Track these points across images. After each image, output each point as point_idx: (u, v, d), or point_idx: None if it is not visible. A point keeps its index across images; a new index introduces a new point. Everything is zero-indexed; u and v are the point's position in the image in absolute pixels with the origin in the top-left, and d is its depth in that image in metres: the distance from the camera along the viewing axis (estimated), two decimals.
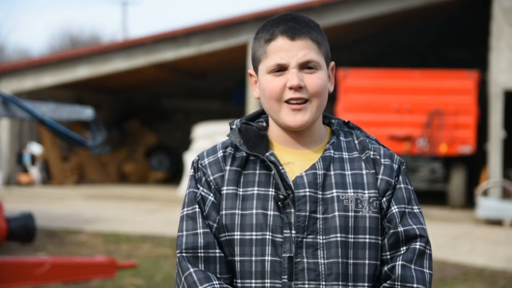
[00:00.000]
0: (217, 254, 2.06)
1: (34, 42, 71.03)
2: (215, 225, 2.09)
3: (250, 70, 2.18)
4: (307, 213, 2.04)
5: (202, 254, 2.06)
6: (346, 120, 2.24)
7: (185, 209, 2.12)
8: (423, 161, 16.42)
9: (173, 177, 21.13)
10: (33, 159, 18.21)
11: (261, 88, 2.11)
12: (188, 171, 17.00)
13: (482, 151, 15.90)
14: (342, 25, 16.09)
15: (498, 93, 14.48)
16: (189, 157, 17.13)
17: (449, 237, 11.53)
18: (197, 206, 2.10)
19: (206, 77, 22.07)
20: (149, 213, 13.69)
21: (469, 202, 15.34)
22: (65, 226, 11.32)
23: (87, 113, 5.29)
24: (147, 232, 10.97)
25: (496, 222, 13.32)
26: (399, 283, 2.04)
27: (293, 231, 2.03)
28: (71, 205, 14.67)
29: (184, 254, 2.07)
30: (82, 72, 17.76)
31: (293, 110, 2.06)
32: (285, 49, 2.05)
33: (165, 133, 23.35)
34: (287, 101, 2.06)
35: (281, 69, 2.06)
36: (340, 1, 15.69)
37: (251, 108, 16.23)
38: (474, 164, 16.69)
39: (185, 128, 21.73)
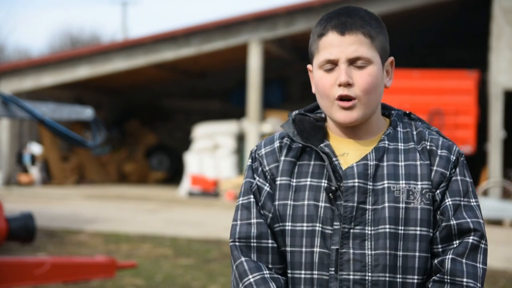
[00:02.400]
0: (270, 245, 2.06)
1: (34, 42, 71.06)
2: (270, 215, 2.08)
3: (309, 65, 2.16)
4: (355, 204, 2.02)
5: (255, 244, 2.06)
6: (408, 112, 2.22)
7: (241, 198, 2.12)
8: None
9: (173, 177, 21.13)
10: (33, 159, 18.21)
11: (315, 84, 2.09)
12: (188, 171, 17.01)
13: (482, 151, 15.91)
14: None
15: (498, 93, 14.48)
16: (189, 157, 17.13)
17: None
18: (252, 196, 2.10)
19: (206, 77, 22.07)
20: (149, 213, 13.69)
21: None
22: (65, 226, 11.32)
23: (87, 113, 5.29)
24: (147, 232, 10.97)
25: (496, 222, 13.32)
26: (448, 277, 2.01)
27: (341, 222, 2.02)
28: (71, 205, 14.67)
29: (237, 243, 2.08)
30: (82, 72, 17.76)
31: (343, 107, 2.04)
32: (335, 44, 2.03)
33: (165, 133, 23.35)
34: (337, 99, 2.04)
35: (331, 64, 2.04)
36: (340, 1, 15.68)
37: (251, 108, 16.24)
38: (474, 164, 16.69)
39: (185, 128, 21.73)
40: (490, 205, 13.46)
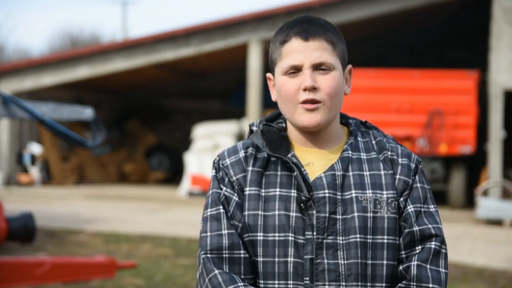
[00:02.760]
0: (242, 255, 2.06)
1: (34, 42, 71.05)
2: (240, 225, 2.09)
3: (269, 74, 2.19)
4: (327, 214, 2.04)
5: (227, 255, 2.06)
6: (363, 120, 2.25)
7: (209, 209, 2.11)
8: (423, 161, 16.36)
9: (173, 177, 21.13)
10: (33, 159, 18.21)
11: (278, 90, 2.12)
12: (188, 171, 17.00)
13: (482, 151, 15.90)
14: (342, 25, 16.08)
15: (498, 93, 14.48)
16: (189, 157, 17.13)
17: (449, 237, 11.54)
18: (221, 206, 2.10)
19: (206, 77, 22.07)
20: (149, 213, 13.69)
21: (469, 202, 15.35)
22: (65, 226, 11.32)
23: (87, 113, 5.29)
24: (147, 232, 10.97)
25: (496, 222, 13.32)
26: (414, 283, 2.05)
27: (314, 233, 2.04)
28: (71, 205, 14.67)
29: (209, 255, 2.06)
30: (82, 72, 17.76)
31: (307, 110, 2.06)
32: (299, 50, 2.07)
33: (165, 133, 23.35)
34: (302, 102, 2.06)
35: (295, 70, 2.07)
36: (340, 1, 15.69)
37: (251, 108, 16.24)
38: (474, 164, 16.69)
39: (185, 128, 21.73)
40: (490, 205, 13.46)
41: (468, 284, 8.13)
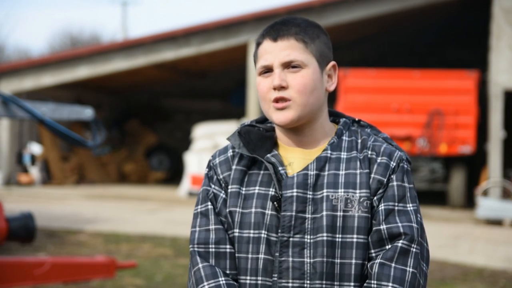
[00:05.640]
0: (228, 250, 2.13)
1: (34, 42, 71.03)
2: (226, 221, 2.15)
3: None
4: (293, 213, 2.07)
5: (213, 250, 2.13)
6: (357, 119, 2.26)
7: (199, 206, 2.20)
8: (423, 161, 16.41)
9: (173, 177, 21.13)
10: (33, 159, 18.21)
11: (256, 90, 2.19)
12: (188, 171, 17.01)
13: (482, 151, 15.90)
14: (342, 25, 16.10)
15: (498, 93, 14.48)
16: (189, 157, 17.13)
17: (449, 237, 11.54)
18: (209, 203, 2.17)
19: (206, 77, 22.07)
20: (149, 213, 13.69)
21: (469, 202, 15.35)
22: (65, 226, 11.32)
23: (87, 113, 5.29)
24: (147, 232, 10.97)
25: (496, 222, 13.32)
26: (374, 282, 2.04)
27: (279, 230, 2.07)
28: (71, 205, 14.67)
29: (196, 249, 2.14)
30: (82, 72, 17.76)
31: (277, 109, 2.11)
32: (269, 51, 2.12)
33: (165, 133, 23.36)
34: (273, 101, 2.11)
35: (267, 70, 2.13)
36: (340, 1, 15.69)
37: (251, 108, 16.24)
38: (474, 164, 16.69)
39: (185, 128, 21.74)
40: (490, 205, 13.46)
41: (468, 284, 8.13)
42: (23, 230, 4.78)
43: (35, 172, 18.40)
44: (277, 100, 2.10)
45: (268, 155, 2.13)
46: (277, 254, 2.07)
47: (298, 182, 2.08)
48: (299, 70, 2.10)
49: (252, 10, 16.40)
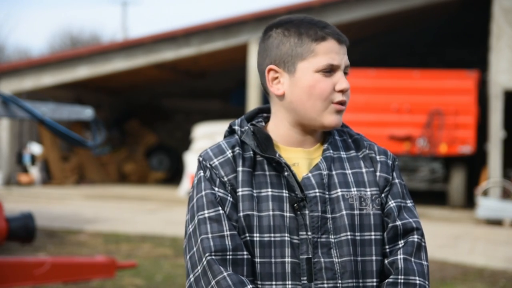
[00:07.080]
0: (245, 256, 2.04)
1: (34, 42, 71.03)
2: (237, 225, 2.07)
3: (273, 65, 2.13)
4: (320, 213, 2.07)
5: (231, 257, 2.03)
6: None
7: (206, 211, 2.06)
8: (423, 161, 16.42)
9: (173, 177, 21.13)
10: (33, 159, 18.21)
11: (305, 85, 2.09)
12: (188, 171, 17.00)
13: (482, 151, 15.90)
14: (342, 25, 16.08)
15: (498, 93, 14.48)
16: (189, 157, 17.13)
17: (449, 237, 11.54)
18: (219, 207, 2.06)
19: (206, 77, 22.07)
20: (149, 213, 13.70)
21: (469, 202, 15.35)
22: (65, 226, 11.32)
23: (87, 113, 5.29)
24: (147, 232, 10.97)
25: (496, 222, 13.32)
26: (402, 277, 2.09)
27: (309, 232, 2.06)
28: (71, 205, 14.67)
29: (214, 257, 2.02)
30: (82, 72, 17.76)
31: (338, 111, 2.11)
32: (336, 51, 2.11)
33: (165, 133, 23.36)
34: (336, 103, 2.10)
35: (331, 70, 2.10)
36: (340, 1, 15.69)
37: (251, 108, 16.23)
38: (474, 164, 16.69)
39: (185, 128, 21.73)
40: (490, 205, 13.46)
41: (468, 284, 8.13)
42: (23, 230, 4.78)
43: (35, 172, 18.40)
44: (342, 103, 2.10)
45: (277, 156, 2.09)
46: (302, 256, 2.05)
47: (316, 182, 2.08)
48: (346, 76, 2.14)
49: (252, 10, 16.41)
